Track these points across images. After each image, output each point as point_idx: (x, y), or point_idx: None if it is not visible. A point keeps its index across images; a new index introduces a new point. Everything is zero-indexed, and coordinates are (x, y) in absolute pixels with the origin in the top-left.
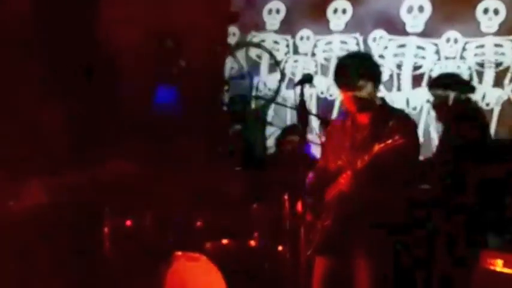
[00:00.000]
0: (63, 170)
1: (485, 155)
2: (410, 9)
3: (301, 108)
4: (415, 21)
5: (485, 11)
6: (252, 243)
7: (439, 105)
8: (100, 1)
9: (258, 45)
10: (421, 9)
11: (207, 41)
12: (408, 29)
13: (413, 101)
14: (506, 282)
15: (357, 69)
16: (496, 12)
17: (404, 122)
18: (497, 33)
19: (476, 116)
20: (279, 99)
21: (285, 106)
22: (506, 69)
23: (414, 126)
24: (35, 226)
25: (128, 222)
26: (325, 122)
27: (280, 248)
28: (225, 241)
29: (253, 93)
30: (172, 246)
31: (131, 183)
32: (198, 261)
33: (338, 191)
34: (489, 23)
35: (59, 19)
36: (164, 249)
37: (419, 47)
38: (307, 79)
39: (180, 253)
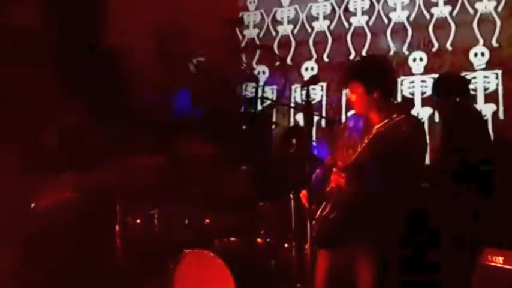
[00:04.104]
0: (75, 170)
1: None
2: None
3: (307, 109)
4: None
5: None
6: (259, 240)
7: (442, 107)
8: (109, 4)
9: (266, 47)
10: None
11: (216, 43)
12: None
13: (422, 114)
14: (506, 279)
15: (358, 71)
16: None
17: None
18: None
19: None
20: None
21: (291, 107)
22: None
23: (420, 122)
24: (46, 224)
25: (138, 221)
26: (331, 122)
27: (286, 245)
28: (232, 239)
29: (259, 95)
30: (181, 244)
31: (142, 182)
32: (207, 258)
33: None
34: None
35: (69, 21)
36: (173, 246)
37: (423, 81)
38: (312, 80)
39: (188, 250)
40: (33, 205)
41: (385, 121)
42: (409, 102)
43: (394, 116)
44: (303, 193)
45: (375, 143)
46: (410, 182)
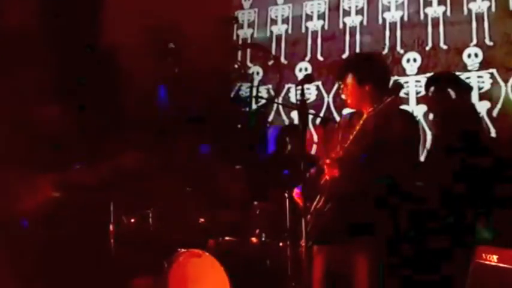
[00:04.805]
0: (69, 168)
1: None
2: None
3: (302, 108)
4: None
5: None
6: (254, 240)
7: (436, 101)
8: (103, 3)
9: (260, 46)
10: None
11: (210, 42)
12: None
13: (416, 112)
14: (500, 277)
15: (351, 64)
16: (476, 55)
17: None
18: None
19: (473, 112)
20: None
21: (286, 106)
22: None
23: (413, 116)
24: (40, 223)
25: (132, 220)
26: (325, 121)
27: (281, 244)
28: (227, 238)
29: (254, 93)
30: (175, 243)
31: (136, 181)
32: (201, 258)
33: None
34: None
35: (65, 22)
36: (168, 246)
37: (417, 81)
38: (307, 79)
39: (183, 250)
40: (20, 204)
41: (375, 105)
42: (396, 85)
43: (384, 98)
44: (296, 192)
45: (364, 127)
46: (404, 167)
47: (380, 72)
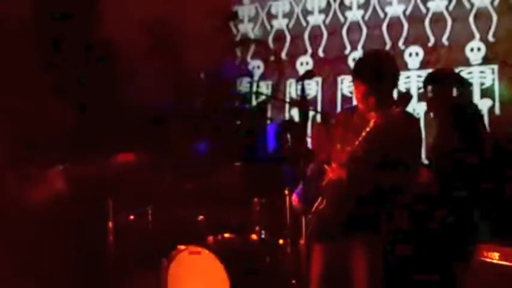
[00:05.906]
0: (68, 164)
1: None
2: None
3: (302, 104)
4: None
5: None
6: (254, 237)
7: (435, 99)
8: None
9: (260, 42)
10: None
11: (209, 38)
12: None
13: (418, 110)
14: (502, 275)
15: (363, 71)
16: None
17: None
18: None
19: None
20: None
21: (285, 102)
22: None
23: (415, 116)
24: (38, 219)
25: (131, 217)
26: (326, 117)
27: (281, 241)
28: (226, 235)
29: (254, 89)
30: (174, 240)
31: (134, 178)
32: (200, 255)
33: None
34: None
35: (62, 18)
36: (166, 243)
37: (419, 76)
38: (307, 75)
39: (182, 247)
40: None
41: (382, 114)
42: (406, 96)
43: (391, 108)
44: (294, 197)
45: (372, 136)
46: (409, 173)
47: (390, 80)
